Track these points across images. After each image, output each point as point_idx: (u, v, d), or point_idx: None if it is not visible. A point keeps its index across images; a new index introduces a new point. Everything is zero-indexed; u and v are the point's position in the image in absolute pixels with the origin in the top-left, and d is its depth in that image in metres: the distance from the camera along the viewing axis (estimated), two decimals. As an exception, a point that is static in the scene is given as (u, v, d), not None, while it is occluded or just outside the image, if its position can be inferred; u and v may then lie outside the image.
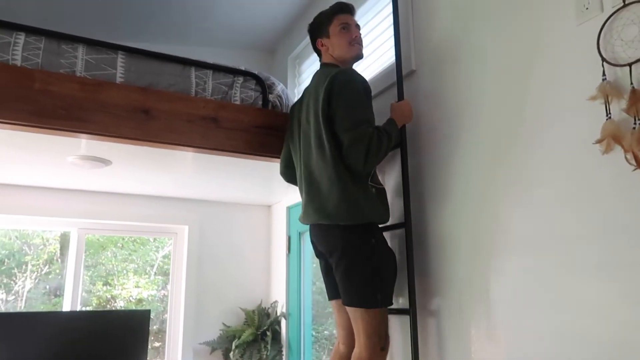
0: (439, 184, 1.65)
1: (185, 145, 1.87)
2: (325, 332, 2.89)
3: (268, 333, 2.92)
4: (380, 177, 1.71)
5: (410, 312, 1.60)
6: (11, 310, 2.97)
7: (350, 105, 1.54)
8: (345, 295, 1.54)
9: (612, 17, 1.15)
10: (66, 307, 2.87)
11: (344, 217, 1.53)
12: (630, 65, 1.10)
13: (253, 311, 3.08)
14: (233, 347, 2.90)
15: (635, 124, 1.07)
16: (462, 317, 1.50)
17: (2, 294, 2.99)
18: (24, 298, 3.06)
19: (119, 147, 1.93)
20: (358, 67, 1.83)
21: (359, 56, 1.76)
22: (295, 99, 2.51)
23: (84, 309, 2.96)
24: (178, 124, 1.85)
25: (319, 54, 1.83)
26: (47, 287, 3.11)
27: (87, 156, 2.12)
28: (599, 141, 1.13)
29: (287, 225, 3.08)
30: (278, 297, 3.10)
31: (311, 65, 2.83)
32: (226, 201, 3.26)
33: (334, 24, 1.74)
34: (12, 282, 3.04)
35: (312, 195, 1.61)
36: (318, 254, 1.74)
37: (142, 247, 3.46)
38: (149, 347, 2.71)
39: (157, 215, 3.06)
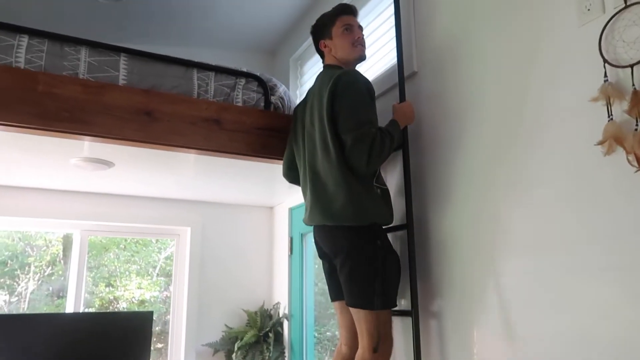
0: (440, 185, 1.65)
1: (188, 147, 1.88)
2: (328, 333, 2.89)
3: (270, 334, 2.92)
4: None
5: (413, 313, 1.60)
6: (14, 312, 2.98)
7: (353, 106, 1.55)
8: (349, 296, 1.54)
9: (613, 18, 1.15)
10: (69, 308, 2.88)
11: (350, 218, 1.53)
12: (632, 66, 1.10)
13: (255, 312, 3.08)
14: (235, 348, 2.90)
15: (637, 125, 1.07)
16: (464, 319, 1.50)
17: (5, 295, 3.00)
18: (27, 299, 3.07)
19: (121, 149, 1.94)
20: (360, 68, 1.84)
21: (362, 57, 1.77)
22: (298, 101, 2.52)
23: (86, 310, 2.96)
24: (181, 125, 1.85)
25: (322, 56, 1.83)
26: (50, 288, 3.12)
27: (90, 158, 2.13)
28: (600, 142, 1.13)
29: (289, 226, 3.09)
30: (280, 298, 3.10)
31: (313, 66, 2.83)
32: (228, 203, 3.26)
33: (336, 26, 1.74)
34: (15, 283, 3.05)
35: (317, 196, 1.61)
36: (322, 255, 1.74)
37: (144, 249, 3.47)
38: (152, 348, 2.72)
39: (160, 217, 3.07)
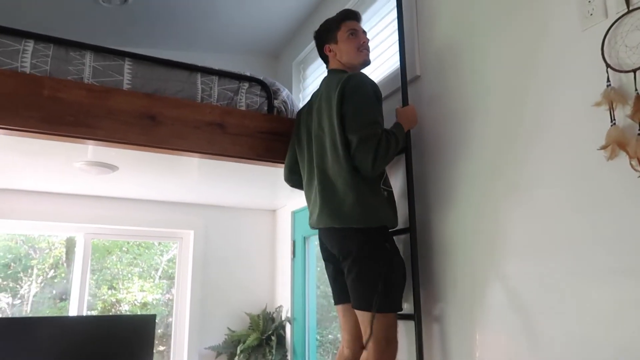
0: (443, 189, 1.65)
1: (192, 151, 1.88)
2: (330, 336, 2.90)
3: (273, 338, 2.92)
4: (385, 182, 1.72)
5: (415, 317, 1.60)
6: (17, 314, 2.99)
7: (360, 107, 1.56)
8: (356, 299, 1.54)
9: (616, 23, 1.16)
10: (72, 311, 2.88)
11: (359, 220, 1.54)
12: (634, 71, 1.10)
13: (258, 316, 3.08)
14: (238, 351, 2.90)
15: (639, 130, 1.07)
16: (467, 323, 1.50)
17: (8, 297, 3.01)
18: (30, 302, 3.08)
19: (125, 152, 1.94)
20: (363, 72, 1.85)
21: (367, 62, 1.79)
22: (301, 104, 2.53)
23: (89, 313, 2.97)
24: (184, 129, 1.86)
25: (326, 60, 1.84)
26: (54, 291, 3.13)
27: (94, 162, 2.14)
28: (603, 147, 1.13)
29: (292, 229, 3.09)
30: (283, 301, 3.10)
31: (316, 70, 2.84)
32: (231, 206, 3.27)
33: (342, 30, 1.76)
34: (18, 286, 3.05)
35: (327, 198, 1.61)
36: (327, 258, 1.73)
37: (146, 251, 3.47)
38: (154, 351, 2.72)
39: (163, 220, 3.08)
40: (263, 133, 2.01)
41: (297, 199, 2.91)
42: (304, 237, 2.95)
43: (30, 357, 2.46)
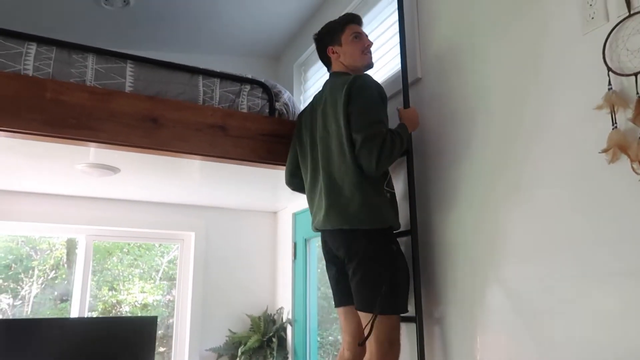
0: (444, 191, 1.66)
1: (194, 154, 1.89)
2: (330, 337, 2.90)
3: (274, 339, 2.92)
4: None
5: (417, 319, 1.60)
6: (18, 315, 2.99)
7: (365, 106, 1.57)
8: (360, 300, 1.54)
9: (617, 27, 1.16)
10: (74, 313, 2.89)
11: (366, 221, 1.54)
12: (636, 75, 1.10)
13: (259, 317, 3.08)
14: (239, 353, 2.90)
15: (641, 133, 1.08)
16: (468, 325, 1.51)
17: (9, 298, 3.01)
18: (31, 303, 3.08)
19: (127, 155, 1.95)
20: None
21: (370, 65, 1.80)
22: (302, 106, 2.54)
23: (90, 314, 2.97)
24: (186, 132, 1.87)
25: (327, 63, 1.84)
26: (55, 292, 3.13)
27: (96, 164, 2.15)
28: (604, 150, 1.14)
29: (293, 231, 3.09)
30: (284, 303, 3.11)
31: (316, 72, 2.85)
32: (232, 208, 3.27)
33: (346, 33, 1.77)
34: (18, 287, 3.06)
35: (333, 200, 1.60)
36: (330, 260, 1.73)
37: (147, 253, 3.48)
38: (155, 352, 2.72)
39: (165, 222, 3.08)
40: (265, 135, 2.02)
41: (298, 201, 2.91)
42: (305, 239, 2.96)
43: (32, 358, 2.46)
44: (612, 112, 1.14)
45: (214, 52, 3.18)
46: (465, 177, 1.58)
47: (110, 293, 3.23)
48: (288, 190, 2.02)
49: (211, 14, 2.80)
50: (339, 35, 1.77)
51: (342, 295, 1.70)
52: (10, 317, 2.95)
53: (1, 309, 2.96)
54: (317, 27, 1.89)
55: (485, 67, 1.55)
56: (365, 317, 1.53)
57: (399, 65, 1.85)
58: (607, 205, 1.16)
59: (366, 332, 1.49)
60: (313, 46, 2.06)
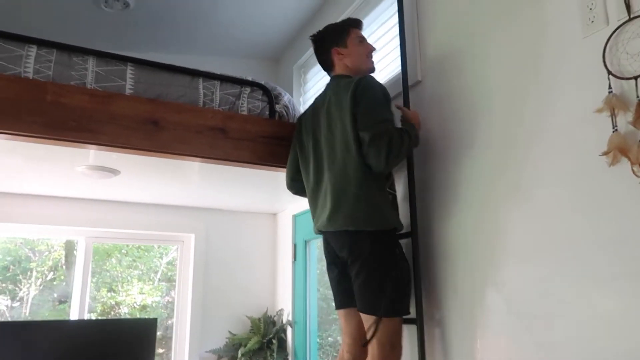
0: (444, 194, 1.66)
1: (194, 156, 1.89)
2: (329, 338, 2.90)
3: (274, 341, 2.92)
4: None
5: (418, 321, 1.60)
6: (16, 317, 2.99)
7: (371, 105, 1.58)
8: (364, 302, 1.55)
9: (617, 31, 1.17)
10: (73, 315, 2.88)
11: (371, 222, 1.55)
12: (636, 78, 1.11)
13: (259, 319, 3.08)
14: (239, 355, 2.90)
15: (641, 137, 1.08)
16: (468, 327, 1.51)
17: (7, 300, 3.01)
18: (29, 304, 3.08)
19: (127, 157, 1.95)
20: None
21: (373, 70, 1.82)
22: (302, 109, 2.54)
23: (89, 315, 2.97)
24: (187, 134, 1.87)
25: (328, 64, 1.82)
26: (54, 294, 3.13)
27: (96, 166, 2.15)
28: (605, 153, 1.14)
29: (293, 233, 3.10)
30: (284, 305, 3.11)
31: (316, 74, 2.85)
32: (232, 209, 3.27)
33: (351, 36, 1.79)
34: (17, 288, 3.06)
35: (338, 201, 1.60)
36: (332, 262, 1.72)
37: (146, 254, 3.48)
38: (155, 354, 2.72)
39: (165, 224, 3.08)
40: (265, 138, 2.02)
41: (298, 203, 2.91)
42: (305, 241, 2.96)
43: (32, 361, 2.46)
44: (613, 115, 1.15)
45: (214, 54, 3.18)
46: (466, 179, 1.58)
47: (109, 294, 3.24)
48: (288, 192, 2.02)
49: (211, 16, 2.80)
50: (345, 38, 1.78)
51: (344, 297, 1.70)
52: (9, 319, 2.95)
53: (-1, 311, 2.96)
54: (316, 30, 1.89)
55: (485, 70, 1.55)
56: (367, 319, 1.54)
57: (399, 68, 1.86)
58: (607, 208, 1.16)
59: (369, 335, 1.49)
60: (312, 48, 2.04)
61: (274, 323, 3.08)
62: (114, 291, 3.27)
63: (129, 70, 1.87)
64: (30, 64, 1.71)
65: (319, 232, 1.73)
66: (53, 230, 2.92)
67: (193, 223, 3.16)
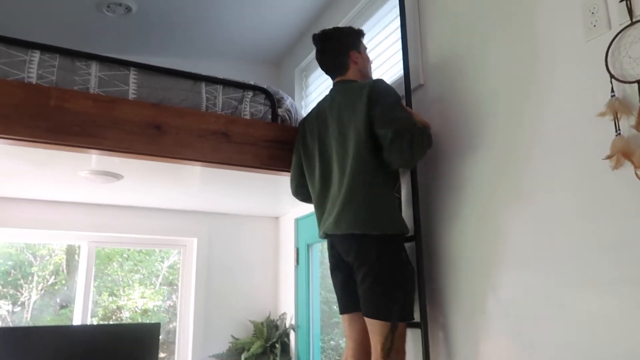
0: (447, 197, 1.66)
1: (197, 160, 1.89)
2: (332, 342, 2.90)
3: (277, 345, 2.92)
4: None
5: (422, 325, 1.60)
6: (17, 322, 2.99)
7: (392, 104, 1.60)
8: (369, 307, 1.54)
9: (620, 35, 1.17)
10: (76, 320, 2.88)
11: (379, 226, 1.55)
12: (638, 82, 1.11)
13: (262, 323, 3.08)
14: (242, 359, 2.90)
15: (645, 140, 1.09)
16: (471, 331, 1.51)
17: (8, 305, 3.01)
18: (30, 309, 3.08)
19: (130, 161, 1.95)
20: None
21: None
22: (304, 112, 2.54)
23: (91, 320, 2.97)
24: (189, 139, 1.87)
25: (343, 67, 1.79)
26: (58, 300, 3.12)
27: (99, 171, 2.15)
28: (608, 157, 1.15)
29: (296, 237, 3.09)
30: (286, 309, 3.10)
31: (318, 77, 2.86)
32: (235, 213, 3.28)
33: (362, 43, 1.84)
34: (18, 293, 3.06)
35: (346, 205, 1.59)
36: (337, 266, 1.71)
37: (147, 258, 3.48)
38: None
39: (167, 228, 3.09)
40: (267, 142, 2.02)
41: (300, 207, 2.91)
42: (308, 244, 2.96)
43: (35, 366, 2.46)
44: (615, 119, 1.15)
45: (216, 58, 3.19)
46: (469, 182, 1.58)
47: (110, 299, 3.23)
48: (290, 195, 2.02)
49: (213, 20, 2.81)
50: (359, 43, 1.82)
51: (349, 301, 1.69)
52: (10, 324, 2.95)
53: (0, 316, 2.95)
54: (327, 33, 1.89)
55: (487, 74, 1.56)
56: (373, 325, 1.53)
57: (401, 72, 1.86)
58: (610, 211, 1.16)
59: (388, 345, 1.49)
60: (314, 52, 2.04)
61: (276, 327, 3.08)
62: (116, 295, 3.27)
63: (132, 75, 1.88)
64: (33, 69, 1.72)
65: (325, 235, 1.72)
66: (56, 235, 2.93)
67: (195, 227, 3.16)
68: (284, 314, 3.11)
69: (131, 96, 1.85)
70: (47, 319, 3.05)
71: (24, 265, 3.14)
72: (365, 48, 1.86)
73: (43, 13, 2.59)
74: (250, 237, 3.31)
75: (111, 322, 3.18)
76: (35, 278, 3.14)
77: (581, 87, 1.26)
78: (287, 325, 3.02)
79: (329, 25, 1.92)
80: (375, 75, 2.21)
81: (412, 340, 1.71)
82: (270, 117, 2.09)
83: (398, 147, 1.52)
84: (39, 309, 3.09)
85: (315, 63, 2.85)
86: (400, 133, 1.51)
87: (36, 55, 1.73)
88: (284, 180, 2.07)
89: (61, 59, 1.77)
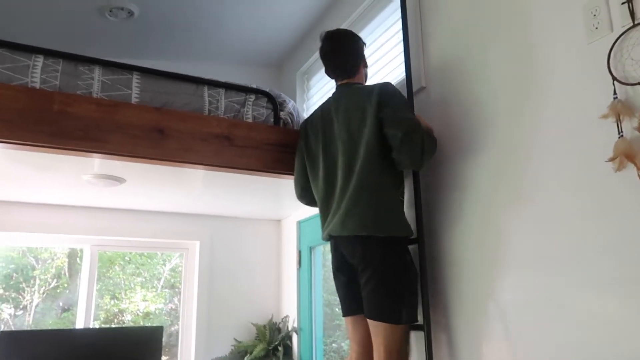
0: (449, 200, 1.66)
1: (200, 164, 1.90)
2: (334, 344, 2.90)
3: (280, 348, 2.92)
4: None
5: (425, 328, 1.60)
6: (19, 325, 2.99)
7: (400, 106, 1.62)
8: (373, 309, 1.54)
9: (622, 37, 1.17)
10: (79, 323, 2.89)
11: (385, 228, 1.55)
12: (641, 84, 1.12)
13: (264, 326, 3.08)
14: (245, 362, 2.90)
15: (647, 142, 1.09)
16: (474, 333, 1.51)
17: (11, 308, 3.01)
18: (32, 312, 3.08)
19: (133, 165, 1.96)
20: (368, 82, 1.87)
21: None
22: (305, 115, 2.54)
23: (92, 322, 2.97)
24: (192, 142, 1.87)
25: (352, 70, 1.80)
26: (61, 304, 3.13)
27: (102, 175, 2.16)
28: (611, 159, 1.15)
29: (298, 239, 3.10)
30: (289, 311, 3.10)
31: (320, 80, 2.86)
32: (237, 216, 3.28)
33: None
34: (20, 296, 3.06)
35: (352, 206, 1.59)
36: (340, 268, 1.70)
37: (149, 261, 3.48)
38: (160, 362, 2.72)
39: (170, 231, 3.09)
40: (270, 145, 2.02)
41: (302, 209, 2.91)
42: (310, 247, 2.96)
43: (38, 370, 2.46)
44: (618, 121, 1.15)
45: (218, 61, 3.20)
46: (471, 184, 1.58)
47: (112, 302, 3.23)
48: (292, 198, 2.02)
49: (214, 24, 2.82)
50: (363, 51, 1.86)
51: (352, 304, 1.69)
52: (13, 328, 2.95)
53: (3, 319, 2.95)
54: (319, 36, 1.88)
55: (488, 76, 1.56)
56: (375, 327, 1.54)
57: (403, 74, 1.87)
58: (613, 213, 1.16)
59: (390, 347, 1.50)
60: (316, 55, 2.05)
61: (279, 330, 3.07)
62: (117, 298, 3.27)
63: (135, 79, 1.88)
64: (37, 73, 1.72)
65: (329, 237, 1.71)
66: (59, 238, 2.93)
67: (198, 230, 3.17)
68: (287, 316, 3.11)
69: (134, 100, 1.85)
70: (49, 323, 3.05)
71: (26, 268, 3.15)
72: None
73: (46, 18, 2.60)
74: (252, 240, 3.31)
75: (113, 326, 3.18)
76: (37, 281, 3.14)
77: (583, 89, 1.26)
78: (290, 328, 3.02)
79: (330, 28, 1.92)
80: (376, 78, 2.24)
81: (415, 343, 1.71)
82: (272, 120, 2.09)
83: (408, 148, 1.53)
84: (41, 312, 3.09)
85: (317, 66, 2.89)
86: (410, 134, 1.53)
87: (39, 60, 1.74)
88: (286, 183, 2.07)
89: (64, 64, 1.78)
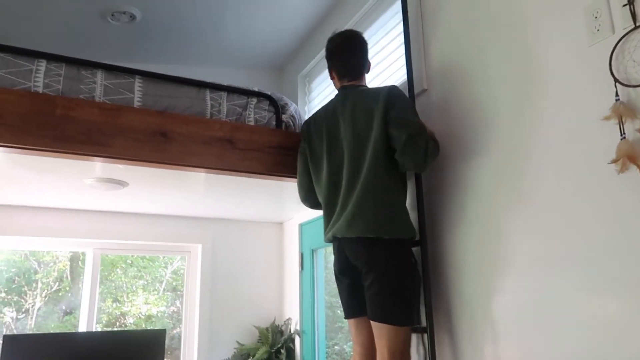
0: (451, 202, 1.66)
1: (202, 167, 1.90)
2: (336, 347, 2.89)
3: (282, 351, 2.92)
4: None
5: (428, 330, 1.60)
6: (22, 329, 2.99)
7: (407, 109, 1.63)
8: (377, 311, 1.54)
9: (623, 39, 1.18)
10: (82, 327, 2.89)
11: (390, 231, 1.55)
12: (643, 86, 1.12)
13: (267, 329, 3.08)
14: (247, 365, 2.90)
15: (650, 144, 1.09)
16: (477, 335, 1.51)
17: (13, 312, 3.01)
18: (34, 316, 3.08)
19: (135, 169, 1.96)
20: (370, 85, 1.88)
21: None
22: (307, 117, 2.54)
23: (94, 325, 2.97)
24: (195, 146, 1.88)
25: (358, 71, 1.81)
26: (64, 307, 3.13)
27: (105, 178, 2.16)
28: (614, 161, 1.15)
29: (300, 242, 3.10)
30: (291, 314, 3.10)
31: (321, 83, 2.87)
32: (239, 219, 3.28)
33: None
34: (22, 300, 3.06)
35: (358, 208, 1.59)
36: (343, 270, 1.69)
37: (151, 264, 3.48)
38: (164, 365, 2.72)
39: (172, 234, 3.09)
40: (272, 148, 2.03)
41: (304, 212, 2.92)
42: (312, 250, 2.96)
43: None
44: (620, 123, 1.15)
45: (219, 64, 3.20)
46: (473, 186, 1.58)
47: (114, 305, 3.24)
48: (294, 201, 2.02)
49: (216, 27, 2.83)
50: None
51: (355, 306, 1.68)
52: (15, 331, 2.95)
53: (5, 323, 2.96)
54: (321, 39, 1.90)
55: (490, 78, 1.56)
56: (377, 328, 1.54)
57: (405, 77, 1.87)
58: (616, 215, 1.16)
59: (393, 349, 1.50)
60: (317, 57, 2.06)
61: (282, 333, 3.07)
62: (119, 302, 3.27)
63: (137, 83, 1.89)
64: (40, 78, 1.73)
65: (332, 238, 1.70)
66: (61, 242, 2.93)
67: (200, 233, 3.17)
68: (289, 319, 3.11)
69: (136, 104, 1.86)
70: (51, 326, 3.06)
71: (28, 272, 3.15)
72: None
73: (48, 22, 2.61)
74: (254, 243, 3.31)
75: (115, 329, 3.18)
76: (39, 285, 3.14)
77: (585, 91, 1.27)
78: (292, 331, 3.02)
79: (331, 31, 1.92)
80: (378, 81, 2.24)
81: (419, 345, 1.71)
82: (274, 123, 2.10)
83: (412, 150, 1.54)
84: (43, 315, 3.09)
85: (318, 69, 2.89)
86: (414, 136, 1.54)
87: (42, 65, 1.75)
88: (288, 186, 2.07)
89: (67, 68, 1.78)
